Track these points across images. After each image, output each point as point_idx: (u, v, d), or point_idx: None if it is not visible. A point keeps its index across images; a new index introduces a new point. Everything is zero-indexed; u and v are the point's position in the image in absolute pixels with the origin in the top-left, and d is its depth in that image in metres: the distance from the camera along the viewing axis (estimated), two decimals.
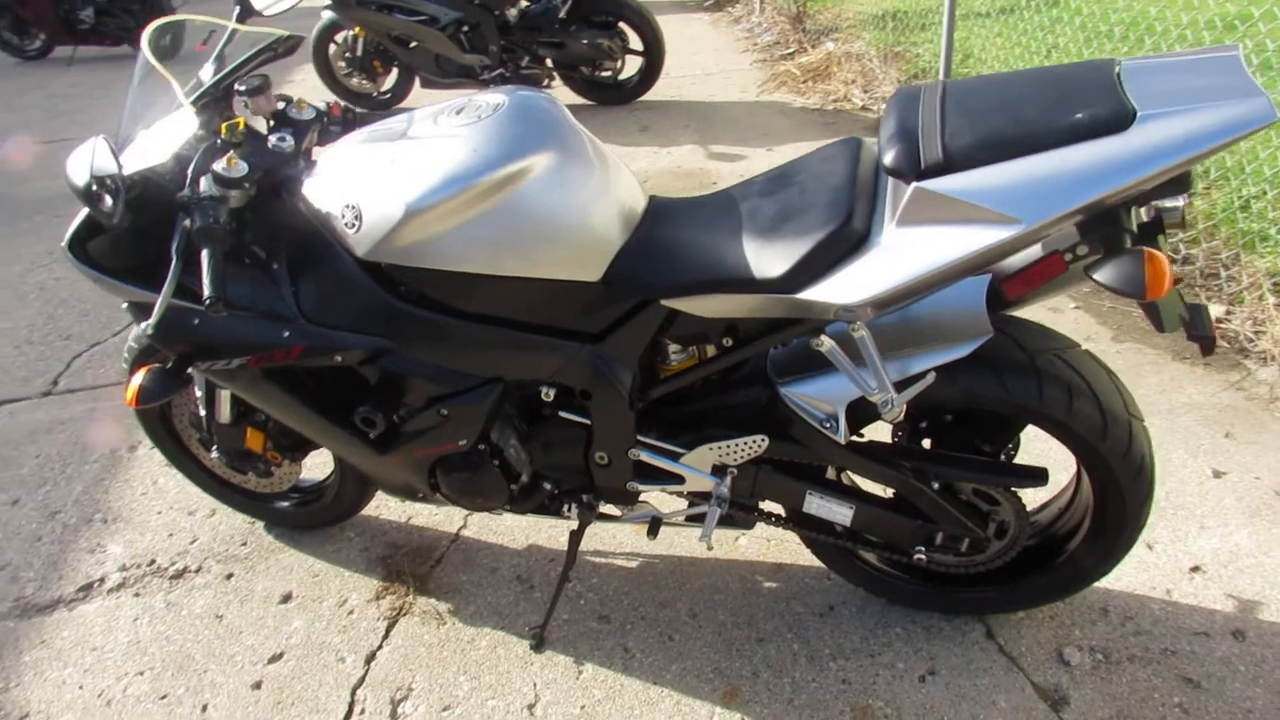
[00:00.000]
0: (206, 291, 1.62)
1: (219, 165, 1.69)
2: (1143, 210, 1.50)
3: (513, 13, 5.93)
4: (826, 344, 1.61)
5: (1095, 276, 1.39)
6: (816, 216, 1.54)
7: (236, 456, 2.24)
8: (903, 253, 1.45)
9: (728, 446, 1.80)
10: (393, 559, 2.40)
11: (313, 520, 2.49)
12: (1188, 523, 2.28)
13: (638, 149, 5.44)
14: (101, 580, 2.43)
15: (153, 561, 2.47)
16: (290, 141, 1.83)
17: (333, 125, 1.99)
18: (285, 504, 2.49)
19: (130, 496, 2.74)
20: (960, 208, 1.40)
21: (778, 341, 1.69)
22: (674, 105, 6.25)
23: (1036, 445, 1.98)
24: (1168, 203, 1.59)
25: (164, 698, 2.07)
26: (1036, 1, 5.74)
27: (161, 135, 1.77)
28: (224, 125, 1.78)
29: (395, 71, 6.45)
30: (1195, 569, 2.15)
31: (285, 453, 2.24)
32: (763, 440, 1.78)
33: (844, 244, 1.50)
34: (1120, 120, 1.33)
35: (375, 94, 6.52)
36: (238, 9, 2.03)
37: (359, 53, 6.29)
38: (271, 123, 1.90)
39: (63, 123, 6.94)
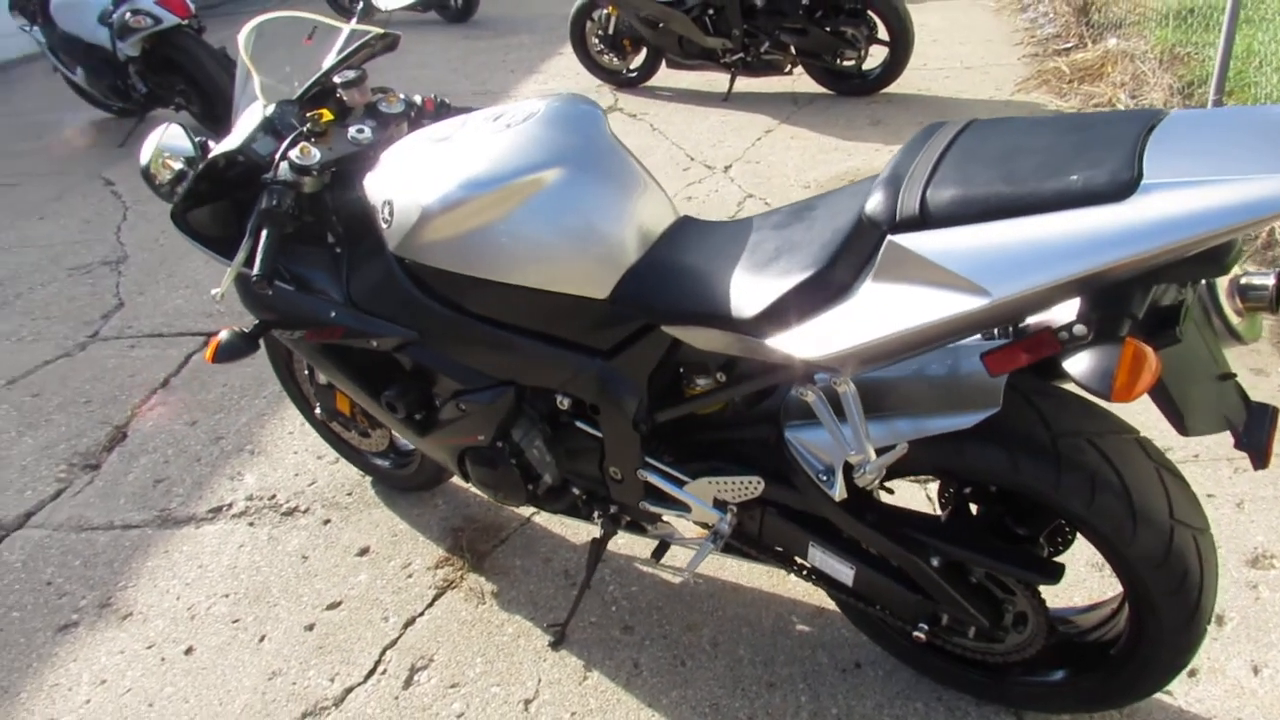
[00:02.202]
0: (255, 269, 1.79)
1: (294, 152, 1.84)
2: (1185, 288, 1.28)
3: None
4: (810, 396, 1.51)
5: (1064, 365, 1.20)
6: (801, 259, 1.43)
7: (333, 415, 2.44)
8: (871, 311, 1.32)
9: (725, 482, 1.73)
10: (463, 532, 2.51)
11: (405, 483, 2.66)
12: None
13: (859, 144, 5.22)
14: (230, 505, 2.73)
15: (273, 496, 2.75)
16: (369, 134, 1.95)
17: (424, 119, 2.09)
18: (385, 463, 2.67)
19: (279, 433, 3.05)
20: (929, 269, 1.25)
21: (765, 385, 1.60)
22: (915, 100, 5.91)
23: None
24: (1256, 279, 1.35)
25: (235, 622, 2.31)
26: None
27: (242, 122, 1.94)
28: (309, 115, 1.93)
29: (644, 51, 6.58)
30: None
31: (367, 418, 2.41)
32: (758, 482, 1.70)
33: (819, 293, 1.39)
34: (1118, 189, 1.13)
35: (624, 72, 6.69)
36: (360, 5, 2.19)
37: (610, 31, 6.48)
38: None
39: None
